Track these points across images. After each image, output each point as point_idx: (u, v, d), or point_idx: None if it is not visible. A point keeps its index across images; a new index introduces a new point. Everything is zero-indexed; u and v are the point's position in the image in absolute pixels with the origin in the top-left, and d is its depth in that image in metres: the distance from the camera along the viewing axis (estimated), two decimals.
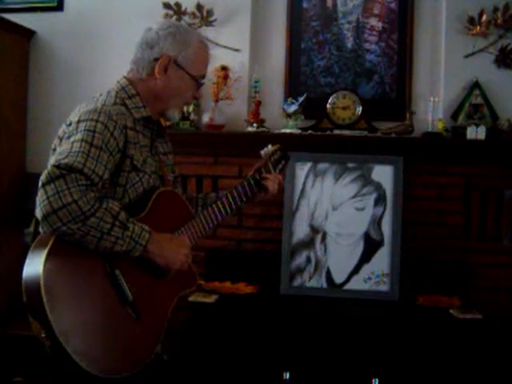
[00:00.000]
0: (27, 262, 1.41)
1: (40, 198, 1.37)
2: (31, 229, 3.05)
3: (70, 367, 1.37)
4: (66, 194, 1.35)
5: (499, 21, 2.99)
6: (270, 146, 1.97)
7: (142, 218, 1.54)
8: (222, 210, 1.80)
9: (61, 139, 1.56)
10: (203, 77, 1.74)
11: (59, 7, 3.40)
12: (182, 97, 1.71)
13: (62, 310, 1.36)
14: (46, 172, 1.38)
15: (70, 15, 3.39)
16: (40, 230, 1.43)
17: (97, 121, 1.49)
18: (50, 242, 1.38)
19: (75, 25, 3.35)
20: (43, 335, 1.37)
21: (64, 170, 1.37)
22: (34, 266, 1.37)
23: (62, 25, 3.38)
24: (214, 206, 1.79)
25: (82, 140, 1.45)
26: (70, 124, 1.53)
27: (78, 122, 1.50)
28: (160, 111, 1.72)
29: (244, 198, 1.85)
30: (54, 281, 1.36)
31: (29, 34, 3.39)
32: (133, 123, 1.60)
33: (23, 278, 1.40)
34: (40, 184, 1.38)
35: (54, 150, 1.59)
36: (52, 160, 1.44)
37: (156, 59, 1.65)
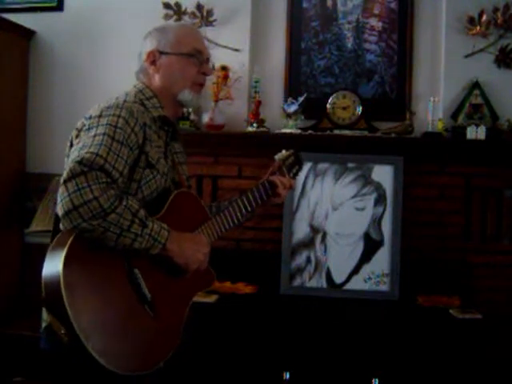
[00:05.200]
0: (47, 259, 1.42)
1: (61, 195, 1.38)
2: (33, 228, 3.05)
3: (88, 364, 1.38)
4: (86, 191, 1.36)
5: (499, 21, 2.99)
6: (284, 151, 1.99)
7: (159, 218, 1.55)
8: (238, 211, 1.81)
9: (79, 131, 1.56)
10: (199, 51, 1.72)
11: (59, 7, 3.40)
12: (183, 78, 1.71)
13: (82, 306, 1.37)
14: (67, 169, 1.39)
15: (70, 15, 3.39)
16: (60, 227, 1.44)
17: (119, 116, 1.51)
18: (69, 241, 1.39)
19: (75, 25, 3.35)
20: (63, 332, 1.38)
21: (85, 167, 1.38)
22: (54, 263, 1.38)
23: (62, 25, 3.38)
24: (229, 207, 1.80)
25: (105, 134, 1.46)
26: (90, 117, 1.54)
27: (100, 116, 1.52)
28: (175, 104, 1.73)
29: (259, 201, 1.86)
30: (73, 278, 1.37)
31: (29, 34, 3.38)
32: (151, 122, 1.62)
33: (43, 276, 1.41)
34: (62, 181, 1.39)
35: (71, 141, 1.59)
36: (74, 154, 1.44)
37: (144, 61, 1.72)
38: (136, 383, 1.49)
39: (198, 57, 1.72)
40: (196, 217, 1.72)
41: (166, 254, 1.52)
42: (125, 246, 1.44)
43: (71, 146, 1.58)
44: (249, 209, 1.83)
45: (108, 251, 1.44)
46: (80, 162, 1.39)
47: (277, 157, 1.96)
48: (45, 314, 1.57)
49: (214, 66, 3.14)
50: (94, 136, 1.46)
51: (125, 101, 1.58)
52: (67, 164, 1.44)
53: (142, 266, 1.50)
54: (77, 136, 1.56)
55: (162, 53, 1.70)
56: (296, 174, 2.01)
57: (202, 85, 1.75)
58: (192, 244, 1.60)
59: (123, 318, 1.46)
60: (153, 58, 1.70)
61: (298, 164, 2.02)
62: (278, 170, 1.93)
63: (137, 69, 1.75)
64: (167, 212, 1.59)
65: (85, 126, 1.53)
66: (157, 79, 1.70)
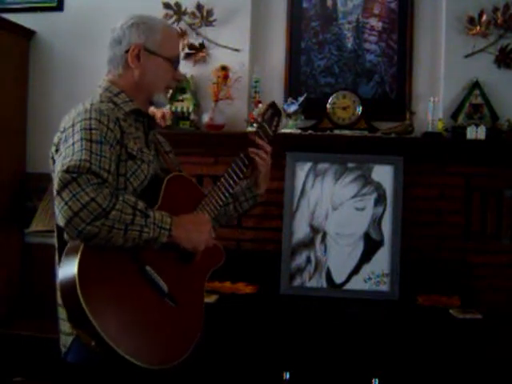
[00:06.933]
0: (61, 274, 1.42)
1: (58, 206, 1.38)
2: (33, 228, 3.05)
3: (124, 368, 1.41)
4: (82, 195, 1.37)
5: (499, 21, 2.99)
6: (260, 106, 2.01)
7: (158, 209, 1.57)
8: (230, 179, 1.82)
9: (57, 145, 1.58)
10: (177, 57, 1.77)
11: (59, 7, 3.40)
12: (162, 81, 1.74)
13: (106, 315, 1.38)
14: (57, 180, 1.40)
15: (70, 15, 3.39)
16: (65, 237, 1.44)
17: (90, 118, 1.52)
18: (80, 251, 1.39)
19: (75, 25, 3.35)
20: (93, 344, 1.39)
21: (74, 174, 1.39)
22: (68, 277, 1.38)
23: (62, 25, 3.38)
24: (221, 179, 1.82)
25: (82, 139, 1.47)
26: (63, 130, 1.56)
27: (73, 125, 1.53)
28: (146, 100, 1.75)
29: (247, 162, 1.88)
30: (91, 289, 1.38)
31: (29, 34, 3.39)
32: (124, 117, 1.63)
33: (60, 291, 1.42)
34: (55, 193, 1.40)
35: (53, 158, 1.61)
36: (58, 167, 1.45)
37: (127, 51, 1.71)
38: (166, 380, 1.54)
39: (175, 63, 1.76)
40: (192, 196, 1.75)
41: (173, 242, 1.53)
42: (134, 240, 1.44)
43: (54, 162, 1.59)
44: (239, 175, 1.85)
45: (117, 254, 1.44)
46: (67, 171, 1.39)
47: (255, 113, 1.97)
48: (65, 327, 1.58)
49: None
50: (73, 144, 1.47)
51: (91, 104, 1.58)
52: (55, 177, 1.45)
53: (152, 262, 1.52)
54: (56, 150, 1.57)
55: (147, 50, 1.70)
56: (277, 126, 2.02)
57: (171, 89, 1.83)
58: (195, 226, 1.62)
59: (147, 316, 1.49)
60: (138, 52, 1.69)
61: (277, 114, 2.03)
62: (259, 128, 1.94)
63: (110, 54, 1.75)
64: (164, 201, 1.61)
65: (61, 139, 1.55)
66: (136, 74, 1.70)
